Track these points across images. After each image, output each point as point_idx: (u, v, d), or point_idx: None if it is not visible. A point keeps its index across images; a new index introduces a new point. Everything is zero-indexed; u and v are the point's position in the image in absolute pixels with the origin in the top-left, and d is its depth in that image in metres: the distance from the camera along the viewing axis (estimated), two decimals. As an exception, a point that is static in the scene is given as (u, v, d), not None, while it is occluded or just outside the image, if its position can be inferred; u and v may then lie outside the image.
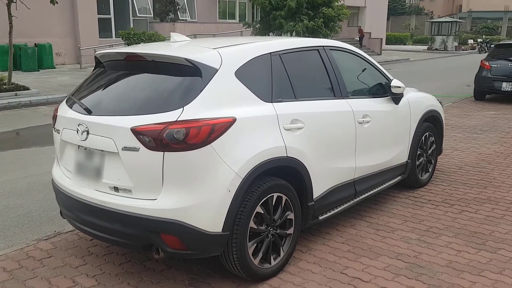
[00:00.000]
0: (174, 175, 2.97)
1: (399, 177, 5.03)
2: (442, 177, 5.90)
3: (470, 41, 42.35)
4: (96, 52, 3.84)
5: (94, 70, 3.90)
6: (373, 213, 4.73)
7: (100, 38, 20.95)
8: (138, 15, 22.97)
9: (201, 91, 3.08)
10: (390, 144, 4.74)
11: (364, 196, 4.44)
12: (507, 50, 12.13)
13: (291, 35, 21.31)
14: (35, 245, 4.12)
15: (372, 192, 4.56)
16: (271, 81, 3.52)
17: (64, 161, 3.59)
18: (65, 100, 3.77)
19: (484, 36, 42.80)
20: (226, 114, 3.10)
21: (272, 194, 3.37)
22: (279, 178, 3.43)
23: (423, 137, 5.32)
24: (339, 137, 4.02)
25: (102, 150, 3.19)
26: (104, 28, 21.63)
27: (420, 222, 4.51)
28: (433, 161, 5.68)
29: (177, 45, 3.74)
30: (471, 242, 4.07)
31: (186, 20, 24.67)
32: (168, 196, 2.98)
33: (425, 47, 39.89)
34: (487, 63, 11.94)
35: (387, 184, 4.80)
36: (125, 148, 3.02)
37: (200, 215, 3.01)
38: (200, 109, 3.03)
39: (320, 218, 3.93)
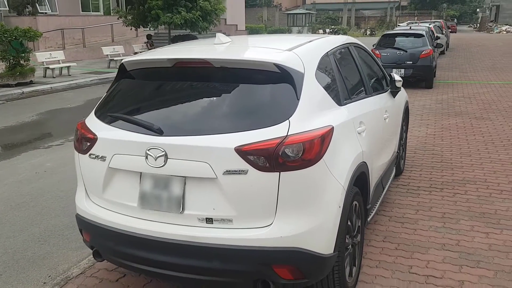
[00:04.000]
0: (289, 197, 2.59)
1: (394, 167, 5.17)
2: (407, 163, 6.23)
3: (320, 31, 45.71)
4: (124, 60, 3.17)
5: (117, 80, 3.23)
6: (382, 205, 4.78)
7: None
8: (-11, 7, 20.00)
9: (298, 100, 2.73)
10: (393, 137, 4.84)
11: (385, 191, 4.47)
12: (392, 39, 13.30)
13: (169, 27, 20.65)
14: (49, 300, 3.33)
15: (387, 186, 4.61)
16: (336, 82, 3.30)
17: (111, 193, 2.90)
18: (95, 118, 3.05)
19: (332, 26, 46.51)
20: (323, 123, 2.80)
21: (353, 203, 3.18)
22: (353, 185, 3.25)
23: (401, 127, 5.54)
24: (379, 134, 3.97)
25: (184, 177, 2.66)
26: None
27: (430, 210, 4.69)
28: (404, 149, 5.97)
29: (233, 47, 3.27)
30: (489, 224, 4.35)
31: (46, 13, 22.19)
32: (284, 221, 2.60)
33: (283, 38, 41.91)
34: (377, 52, 12.94)
35: (391, 176, 4.90)
36: (228, 172, 2.55)
37: (317, 238, 2.69)
38: (303, 120, 2.69)
39: (368, 220, 3.84)
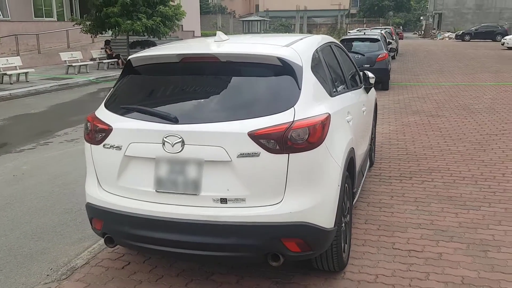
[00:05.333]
0: (297, 177, 2.88)
1: (368, 158, 5.57)
2: (376, 156, 6.65)
3: (275, 38, 46.53)
4: (131, 56, 3.36)
5: (124, 75, 3.41)
6: (360, 193, 5.13)
7: None
8: None
9: (300, 90, 3.03)
10: (368, 130, 5.23)
11: (364, 178, 4.83)
12: (350, 44, 13.91)
13: (127, 34, 20.54)
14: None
15: (365, 174, 4.98)
16: (326, 76, 3.62)
17: (126, 180, 3.08)
18: (106, 110, 3.22)
19: (286, 33, 47.47)
20: (321, 111, 3.10)
21: (345, 185, 3.50)
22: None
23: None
24: (360, 125, 4.33)
25: (200, 161, 2.89)
26: None
27: (403, 195, 5.11)
28: (374, 142, 6.39)
29: (234, 43, 3.53)
30: (457, 205, 4.81)
31: (-3, 18, 21.52)
32: (292, 198, 2.88)
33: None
34: (336, 56, 13.49)
35: (367, 166, 5.28)
36: (242, 155, 2.81)
37: (321, 213, 2.99)
38: (305, 107, 2.99)
39: (353, 203, 4.17)
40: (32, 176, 6.28)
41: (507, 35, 39.69)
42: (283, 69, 3.07)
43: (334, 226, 3.10)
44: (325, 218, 3.02)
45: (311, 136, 2.88)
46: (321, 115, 3.03)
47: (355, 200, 4.19)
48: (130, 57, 3.38)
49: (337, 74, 4.13)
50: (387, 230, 4.25)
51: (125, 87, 3.36)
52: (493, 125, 8.53)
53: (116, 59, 21.08)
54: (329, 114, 3.12)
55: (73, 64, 18.33)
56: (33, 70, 16.54)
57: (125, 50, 21.76)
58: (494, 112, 9.82)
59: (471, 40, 45.70)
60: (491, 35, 45.50)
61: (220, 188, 2.89)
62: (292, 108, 2.92)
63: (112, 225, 3.19)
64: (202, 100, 3.12)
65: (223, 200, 2.90)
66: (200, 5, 54.60)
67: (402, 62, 23.54)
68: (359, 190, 4.45)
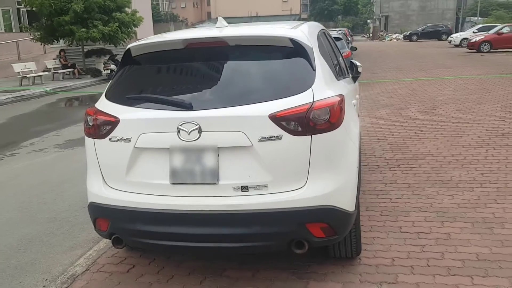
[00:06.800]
0: (320, 159, 2.77)
1: (358, 149, 5.56)
2: (359, 148, 6.69)
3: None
4: (131, 45, 3.17)
5: (123, 65, 3.21)
6: (353, 184, 5.14)
7: None
8: None
9: (315, 70, 2.95)
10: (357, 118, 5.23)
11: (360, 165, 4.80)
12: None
13: (82, 42, 19.93)
14: (63, 296, 3.19)
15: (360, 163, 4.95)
16: (329, 60, 3.56)
17: (136, 174, 2.87)
18: (109, 102, 3.01)
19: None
20: (335, 92, 3.03)
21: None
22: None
23: (356, 113, 5.98)
24: (358, 111, 4.30)
25: (218, 148, 2.74)
26: None
27: (396, 182, 5.13)
28: (357, 134, 6.42)
29: (240, 28, 3.40)
30: (450, 188, 4.86)
31: None
32: (316, 182, 2.78)
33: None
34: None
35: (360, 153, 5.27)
36: (263, 139, 2.69)
37: (344, 195, 2.91)
38: (322, 88, 2.90)
39: (356, 189, 4.13)
40: (5, 187, 5.89)
41: (452, 34, 41.52)
42: (295, 50, 2.98)
43: (355, 209, 3.03)
44: (348, 201, 2.94)
45: (331, 117, 2.80)
46: (337, 96, 2.95)
47: (358, 187, 4.15)
48: (129, 45, 3.19)
49: (334, 60, 4.09)
50: (390, 215, 4.23)
51: (127, 78, 3.17)
52: (462, 114, 8.78)
53: (72, 69, 20.35)
54: (344, 95, 3.06)
55: (27, 76, 17.54)
56: (-16, 83, 15.75)
57: (80, 59, 21.07)
58: (459, 103, 10.12)
59: (419, 40, 47.35)
60: (437, 34, 47.35)
61: (241, 175, 2.75)
62: (310, 89, 2.83)
63: (121, 224, 2.98)
64: (214, 85, 2.97)
65: (244, 188, 2.76)
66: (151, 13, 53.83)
67: (359, 61, 23.99)
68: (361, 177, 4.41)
